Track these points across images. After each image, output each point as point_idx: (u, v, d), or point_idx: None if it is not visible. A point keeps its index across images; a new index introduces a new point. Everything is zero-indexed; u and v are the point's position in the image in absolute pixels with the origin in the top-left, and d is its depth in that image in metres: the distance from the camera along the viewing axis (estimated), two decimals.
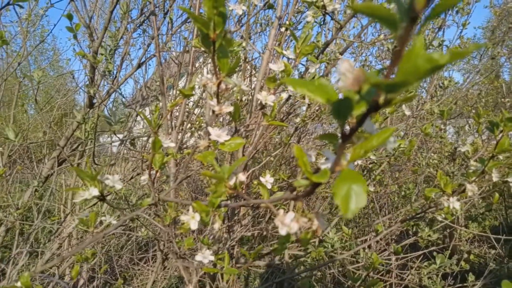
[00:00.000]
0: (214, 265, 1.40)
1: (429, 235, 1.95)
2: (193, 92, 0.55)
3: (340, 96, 0.25)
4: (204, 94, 2.57)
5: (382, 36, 1.01)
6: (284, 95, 0.62)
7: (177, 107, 2.61)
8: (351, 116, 0.24)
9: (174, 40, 3.56)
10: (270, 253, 0.65)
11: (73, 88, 4.67)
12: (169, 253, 2.55)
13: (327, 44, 0.88)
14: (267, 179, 0.74)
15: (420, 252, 2.19)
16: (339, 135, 0.26)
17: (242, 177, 0.43)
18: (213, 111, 0.53)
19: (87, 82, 2.36)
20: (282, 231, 0.39)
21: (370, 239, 1.95)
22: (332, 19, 0.78)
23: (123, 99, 2.15)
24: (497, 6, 4.48)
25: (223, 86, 0.47)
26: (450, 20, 2.11)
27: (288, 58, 0.92)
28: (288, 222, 0.41)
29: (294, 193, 0.40)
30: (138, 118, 3.58)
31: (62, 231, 2.64)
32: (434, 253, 1.81)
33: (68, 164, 2.81)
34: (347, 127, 0.26)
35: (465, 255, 2.22)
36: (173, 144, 0.57)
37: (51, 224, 2.39)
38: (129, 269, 3.77)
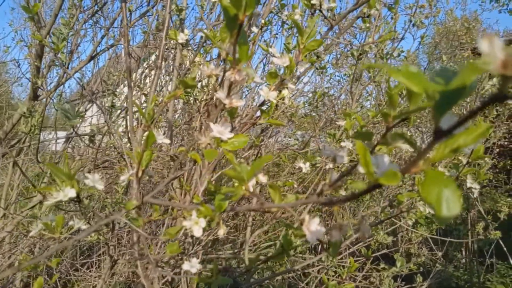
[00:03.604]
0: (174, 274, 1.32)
1: (384, 238, 2.02)
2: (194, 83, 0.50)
3: (431, 84, 0.22)
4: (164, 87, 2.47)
5: (370, 39, 1.01)
6: (285, 92, 0.59)
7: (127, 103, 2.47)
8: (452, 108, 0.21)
9: (130, 36, 3.39)
10: (268, 260, 0.61)
11: (11, 79, 4.29)
12: (119, 258, 2.40)
13: None
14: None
15: (373, 255, 2.26)
16: (435, 130, 0.22)
17: (263, 178, 0.39)
18: (216, 105, 0.48)
19: (33, 72, 2.15)
20: (311, 239, 0.35)
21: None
22: (325, 18, 0.77)
23: (84, 91, 1.98)
24: (440, 24, 4.82)
25: (237, 77, 0.42)
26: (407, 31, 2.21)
27: (273, 56, 0.88)
28: (314, 229, 0.37)
29: (322, 196, 0.36)
30: (87, 114, 3.36)
31: None
32: (394, 256, 1.87)
33: (4, 162, 2.55)
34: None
35: (415, 257, 2.34)
36: (167, 141, 0.51)
37: None
38: (69, 275, 3.51)
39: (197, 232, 0.43)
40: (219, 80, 0.50)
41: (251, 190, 0.41)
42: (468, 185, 0.88)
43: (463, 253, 3.95)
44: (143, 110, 0.48)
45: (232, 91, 0.45)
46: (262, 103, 0.58)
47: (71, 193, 0.50)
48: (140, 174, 0.54)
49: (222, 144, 0.48)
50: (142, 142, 0.48)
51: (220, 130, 0.48)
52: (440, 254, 2.41)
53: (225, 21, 0.36)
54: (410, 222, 1.02)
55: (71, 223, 0.63)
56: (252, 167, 0.37)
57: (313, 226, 0.36)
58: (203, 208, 0.41)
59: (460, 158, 1.05)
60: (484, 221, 3.58)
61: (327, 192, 0.37)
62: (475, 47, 5.22)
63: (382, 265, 1.91)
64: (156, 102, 1.94)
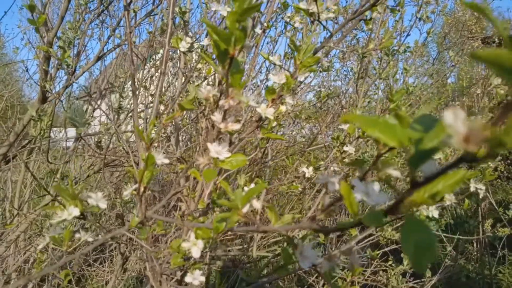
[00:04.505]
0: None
1: (392, 234, 2.02)
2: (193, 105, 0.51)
3: (409, 137, 0.22)
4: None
5: (371, 46, 1.01)
6: (283, 108, 0.59)
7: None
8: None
9: (136, 34, 3.41)
10: (270, 274, 0.63)
11: (20, 79, 4.35)
12: (131, 255, 2.44)
13: (315, 52, 0.86)
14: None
15: (382, 251, 2.27)
16: (409, 181, 0.23)
17: (257, 204, 0.39)
18: (213, 127, 0.49)
19: (42, 75, 2.18)
20: (304, 265, 0.36)
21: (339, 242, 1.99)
22: (324, 28, 0.77)
23: (91, 93, 2.01)
24: (449, 15, 4.74)
25: (232, 102, 0.43)
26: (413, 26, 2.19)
27: (274, 64, 0.89)
28: (308, 254, 0.38)
29: (315, 222, 0.37)
30: (95, 113, 3.40)
31: (8, 233, 2.45)
32: (402, 254, 1.87)
33: (16, 162, 2.60)
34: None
35: None
36: (167, 161, 0.52)
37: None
38: (83, 270, 3.59)
39: (196, 253, 0.44)
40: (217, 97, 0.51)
41: (246, 212, 0.42)
42: (472, 189, 0.88)
43: (474, 245, 3.92)
44: (144, 134, 0.50)
45: (228, 114, 0.45)
46: (260, 119, 0.59)
47: (75, 212, 0.52)
48: (142, 191, 0.56)
49: (220, 163, 0.49)
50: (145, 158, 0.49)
51: (218, 149, 0.49)
52: (449, 248, 2.41)
53: (217, 53, 0.37)
54: None
55: (77, 235, 0.65)
56: (246, 194, 0.38)
57: (306, 251, 0.37)
58: (201, 231, 0.42)
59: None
60: (495, 212, 3.55)
61: (320, 217, 0.38)
62: (486, 37, 5.13)
63: (390, 261, 1.92)
64: (163, 101, 1.96)
